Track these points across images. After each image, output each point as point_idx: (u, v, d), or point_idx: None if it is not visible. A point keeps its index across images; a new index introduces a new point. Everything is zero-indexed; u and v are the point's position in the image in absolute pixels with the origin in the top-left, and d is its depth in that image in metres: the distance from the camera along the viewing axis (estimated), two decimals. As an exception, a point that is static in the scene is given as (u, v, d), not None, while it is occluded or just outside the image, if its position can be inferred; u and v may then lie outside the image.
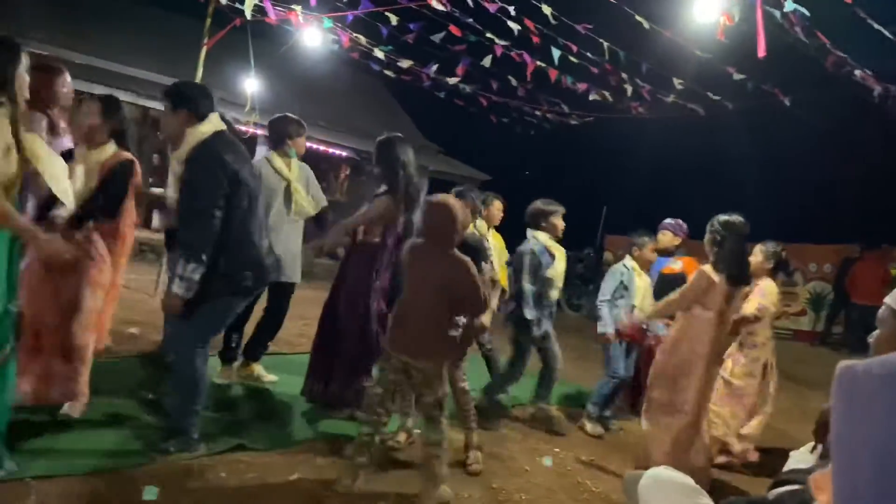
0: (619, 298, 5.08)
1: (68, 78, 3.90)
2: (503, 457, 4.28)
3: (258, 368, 4.98)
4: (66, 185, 3.15)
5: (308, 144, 4.97)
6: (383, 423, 3.45)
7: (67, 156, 3.53)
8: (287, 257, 4.69)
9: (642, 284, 5.18)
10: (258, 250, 3.51)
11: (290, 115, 4.96)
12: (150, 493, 2.97)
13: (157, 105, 12.03)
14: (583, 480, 4.11)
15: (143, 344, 5.33)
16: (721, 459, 4.64)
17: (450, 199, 3.41)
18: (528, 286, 4.84)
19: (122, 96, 12.24)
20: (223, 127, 3.50)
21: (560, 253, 5.01)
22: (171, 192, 3.63)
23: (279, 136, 4.86)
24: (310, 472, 3.53)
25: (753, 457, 4.75)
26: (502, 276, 5.26)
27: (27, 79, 2.94)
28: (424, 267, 3.33)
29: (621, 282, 5.09)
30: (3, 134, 2.75)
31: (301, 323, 7.15)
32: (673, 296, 4.26)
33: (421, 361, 3.30)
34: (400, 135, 4.57)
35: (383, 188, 4.40)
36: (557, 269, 4.94)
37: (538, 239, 4.95)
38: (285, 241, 4.72)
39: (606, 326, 5.01)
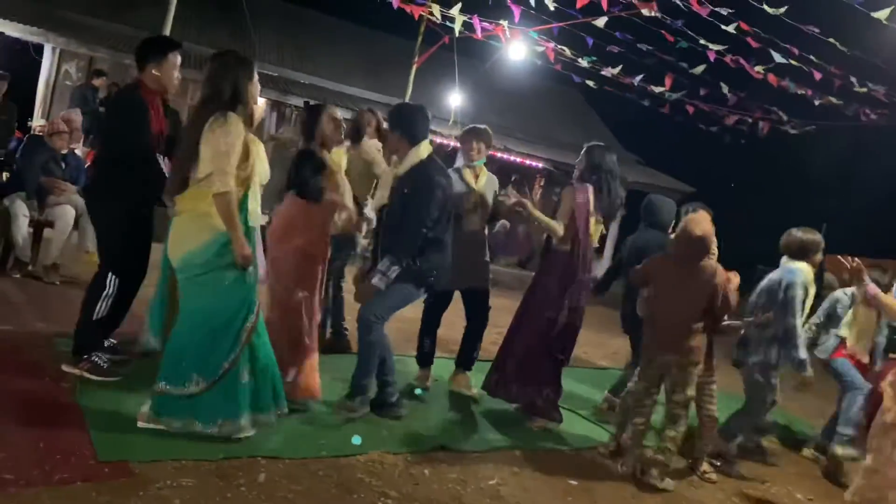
0: (833, 327, 4.68)
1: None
2: (707, 486, 4.05)
3: (468, 379, 4.99)
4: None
5: (504, 156, 5.04)
6: (651, 413, 4.03)
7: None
8: (472, 264, 4.76)
9: (865, 316, 4.68)
10: (446, 255, 3.88)
11: (476, 125, 4.98)
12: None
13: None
14: (799, 521, 3.76)
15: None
16: None
17: (701, 222, 3.88)
18: (800, 322, 4.26)
19: (339, 113, 13.33)
20: (430, 151, 3.84)
21: (812, 290, 4.47)
22: (378, 197, 3.93)
23: (463, 147, 4.95)
24: (509, 479, 3.58)
25: None
26: None
27: (258, 88, 3.41)
28: (679, 278, 3.88)
29: (835, 309, 4.70)
30: (241, 134, 3.18)
31: (495, 331, 7.26)
32: None
33: (676, 356, 3.86)
34: (607, 145, 4.69)
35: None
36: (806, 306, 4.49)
37: (804, 272, 4.35)
38: (470, 248, 4.74)
39: (804, 364, 4.30)
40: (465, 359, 5.02)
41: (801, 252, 4.40)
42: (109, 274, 3.88)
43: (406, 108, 3.95)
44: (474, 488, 3.39)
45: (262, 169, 3.34)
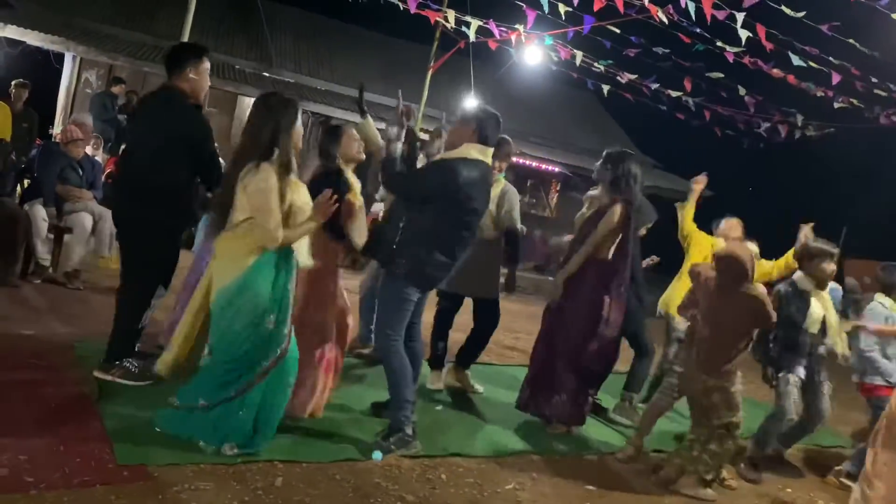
0: (889, 347, 4.48)
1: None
2: (727, 493, 4.01)
3: (468, 377, 5.06)
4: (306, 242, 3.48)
5: (520, 161, 5.01)
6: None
7: None
8: (482, 273, 4.74)
9: None
10: (452, 257, 3.70)
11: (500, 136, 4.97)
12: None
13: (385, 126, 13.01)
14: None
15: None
16: None
17: (741, 247, 4.01)
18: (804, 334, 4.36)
19: (355, 118, 13.35)
20: (487, 161, 3.74)
21: (822, 300, 4.44)
22: None
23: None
24: (526, 483, 3.56)
25: None
26: None
27: (301, 131, 3.41)
28: (721, 303, 3.87)
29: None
30: (274, 184, 3.17)
31: (511, 336, 7.27)
32: None
33: (714, 380, 3.84)
34: (628, 151, 4.63)
35: (606, 197, 4.43)
36: (813, 316, 4.38)
37: (795, 280, 4.45)
38: (480, 257, 4.67)
39: (890, 376, 4.40)
40: (465, 357, 5.03)
41: (799, 260, 4.51)
42: (160, 287, 3.98)
43: (487, 111, 3.84)
44: (491, 493, 3.37)
45: (303, 210, 3.33)
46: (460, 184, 3.55)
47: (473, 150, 3.66)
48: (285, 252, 3.30)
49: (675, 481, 3.88)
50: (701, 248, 5.12)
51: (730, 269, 3.84)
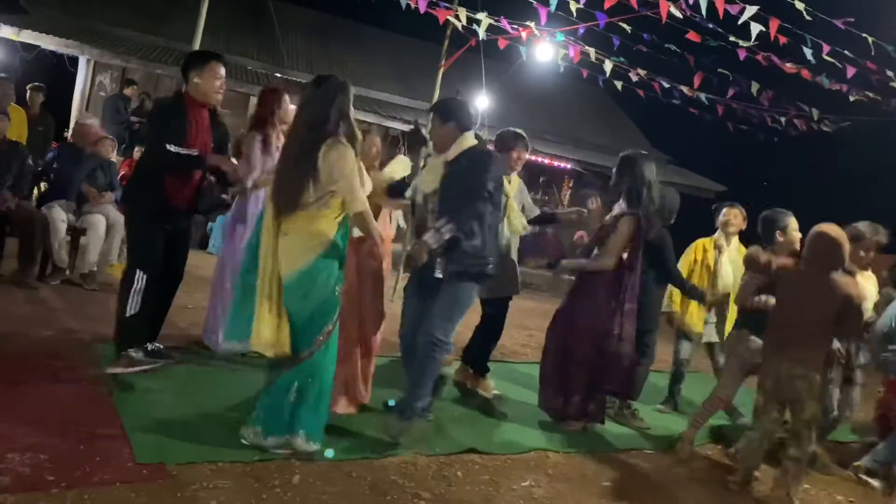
0: None
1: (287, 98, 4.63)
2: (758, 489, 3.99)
3: (488, 381, 4.94)
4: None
5: (533, 158, 4.98)
6: (772, 430, 3.87)
7: None
8: (505, 270, 4.71)
9: None
10: (494, 248, 3.82)
11: (513, 129, 4.93)
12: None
13: (398, 125, 13.04)
14: (840, 524, 3.69)
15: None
16: None
17: (833, 228, 3.64)
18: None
19: (367, 118, 13.37)
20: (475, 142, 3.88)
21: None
22: (425, 189, 3.91)
23: (500, 150, 4.83)
24: (542, 481, 3.56)
25: None
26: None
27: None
28: (809, 288, 3.66)
29: None
30: (355, 159, 3.34)
31: (525, 333, 7.27)
32: None
33: (793, 365, 3.66)
34: (645, 152, 4.57)
35: (623, 206, 4.38)
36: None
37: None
38: (506, 253, 4.72)
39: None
40: (483, 362, 4.94)
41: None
42: (137, 271, 3.96)
43: (455, 101, 4.01)
44: (507, 490, 3.37)
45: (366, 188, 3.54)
46: (498, 177, 3.77)
47: (468, 139, 3.80)
48: (345, 229, 3.41)
49: (747, 485, 3.86)
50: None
51: (826, 250, 3.61)
